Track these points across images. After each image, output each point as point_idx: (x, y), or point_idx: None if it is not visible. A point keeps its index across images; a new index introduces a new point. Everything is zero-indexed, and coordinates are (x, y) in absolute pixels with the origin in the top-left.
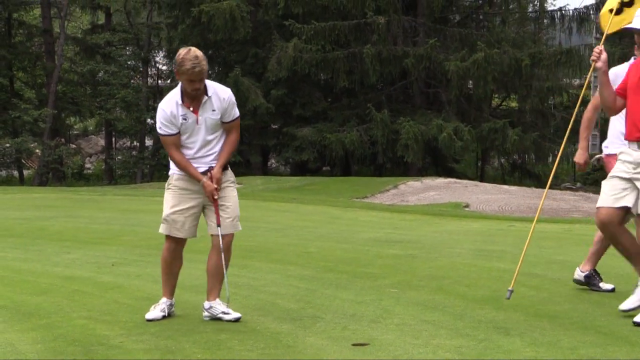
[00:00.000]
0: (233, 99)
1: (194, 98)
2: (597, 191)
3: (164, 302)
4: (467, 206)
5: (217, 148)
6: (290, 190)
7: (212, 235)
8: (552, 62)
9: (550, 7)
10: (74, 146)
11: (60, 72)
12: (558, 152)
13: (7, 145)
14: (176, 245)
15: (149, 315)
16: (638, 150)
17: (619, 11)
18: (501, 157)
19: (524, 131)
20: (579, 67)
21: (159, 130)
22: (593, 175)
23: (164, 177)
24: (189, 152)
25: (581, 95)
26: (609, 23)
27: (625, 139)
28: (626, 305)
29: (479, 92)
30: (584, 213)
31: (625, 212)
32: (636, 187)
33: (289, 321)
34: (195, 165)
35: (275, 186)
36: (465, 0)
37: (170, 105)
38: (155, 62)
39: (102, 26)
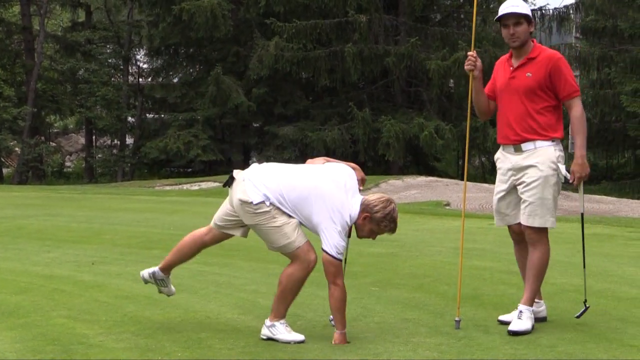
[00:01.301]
0: None
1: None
2: (577, 190)
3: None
4: (447, 205)
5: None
6: None
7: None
8: None
9: (530, 7)
10: (54, 144)
11: (40, 70)
12: None
13: None
14: None
15: (297, 337)
16: (515, 154)
17: None
18: (482, 155)
19: None
20: None
21: (338, 256)
22: None
23: (145, 175)
24: None
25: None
26: None
27: (501, 142)
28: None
29: (460, 91)
30: (564, 211)
31: None
32: (517, 195)
33: None
34: None
35: None
36: (446, 0)
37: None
38: (136, 60)
39: (83, 24)
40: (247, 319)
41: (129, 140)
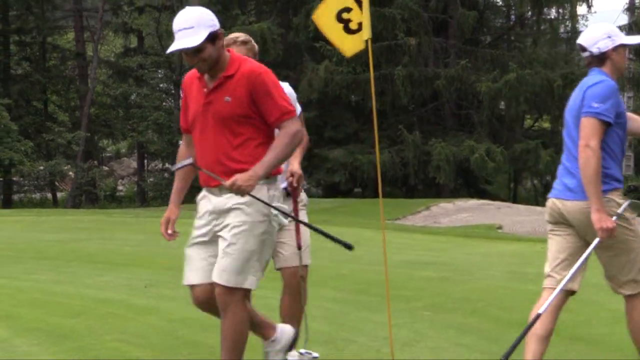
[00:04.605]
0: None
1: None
2: None
3: None
4: (500, 228)
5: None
6: (322, 212)
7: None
8: None
9: (582, 28)
10: (106, 168)
11: (94, 95)
12: None
13: (41, 168)
14: None
15: None
16: (220, 194)
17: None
18: (534, 178)
19: (557, 152)
20: None
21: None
22: None
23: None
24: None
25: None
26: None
27: (202, 185)
28: None
29: (511, 113)
30: None
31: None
32: (216, 247)
33: (322, 344)
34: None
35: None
36: (496, 22)
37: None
38: None
39: (135, 49)
40: (300, 343)
41: None
